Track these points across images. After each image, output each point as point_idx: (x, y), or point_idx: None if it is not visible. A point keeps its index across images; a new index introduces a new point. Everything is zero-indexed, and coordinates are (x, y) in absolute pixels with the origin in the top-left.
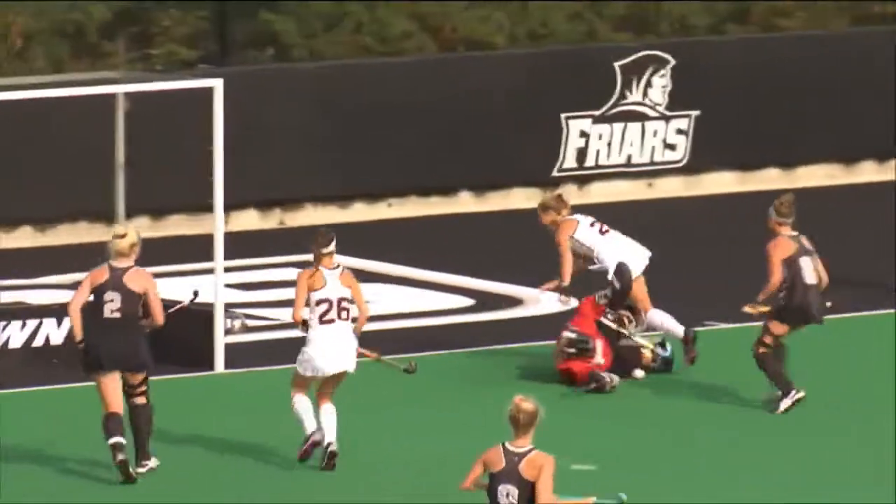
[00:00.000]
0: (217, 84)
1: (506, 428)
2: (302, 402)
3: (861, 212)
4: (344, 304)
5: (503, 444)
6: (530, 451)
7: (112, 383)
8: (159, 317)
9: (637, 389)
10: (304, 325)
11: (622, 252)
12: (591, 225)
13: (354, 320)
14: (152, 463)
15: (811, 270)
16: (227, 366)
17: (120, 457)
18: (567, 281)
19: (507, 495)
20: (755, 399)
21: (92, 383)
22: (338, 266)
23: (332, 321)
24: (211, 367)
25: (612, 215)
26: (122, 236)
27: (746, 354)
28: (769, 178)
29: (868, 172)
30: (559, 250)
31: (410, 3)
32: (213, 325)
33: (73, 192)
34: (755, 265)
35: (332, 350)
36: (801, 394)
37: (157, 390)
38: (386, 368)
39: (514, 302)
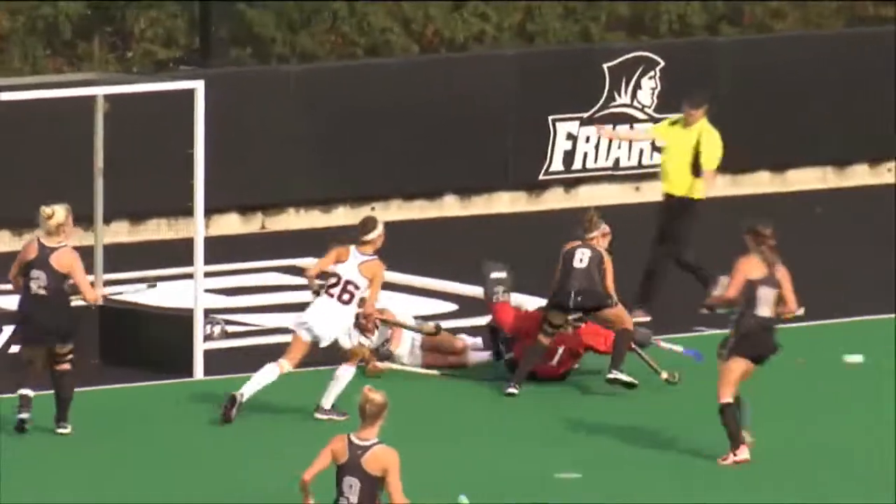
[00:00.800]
0: (198, 86)
1: (489, 427)
2: (265, 371)
3: (854, 216)
4: (349, 287)
5: (349, 436)
6: (374, 444)
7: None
8: (88, 294)
9: (625, 394)
10: (316, 290)
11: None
12: None
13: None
14: (68, 429)
15: (580, 259)
16: (206, 372)
17: (24, 415)
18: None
19: (351, 487)
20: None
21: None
22: (371, 255)
23: (330, 295)
24: (190, 373)
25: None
26: (50, 216)
27: None
28: (760, 182)
29: (861, 176)
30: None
31: (392, 3)
32: (193, 331)
33: (51, 195)
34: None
35: (314, 319)
36: (512, 390)
37: (136, 396)
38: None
39: None
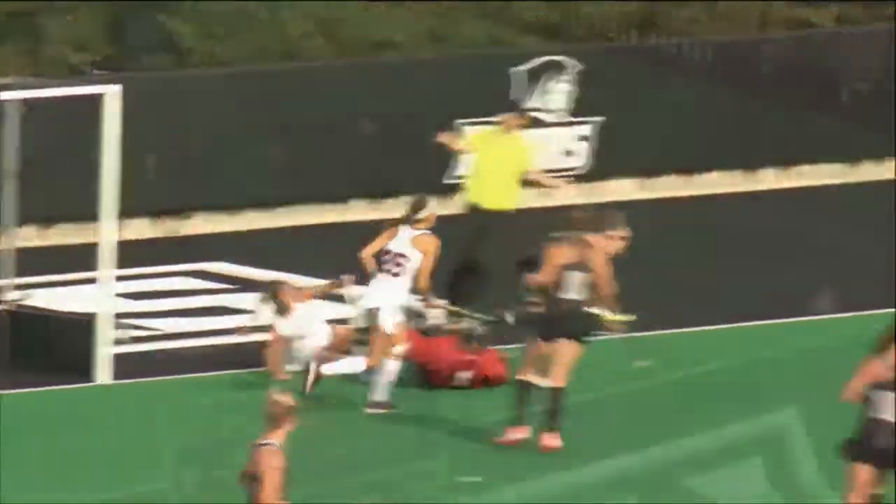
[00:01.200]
0: (112, 90)
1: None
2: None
3: (758, 222)
4: (399, 259)
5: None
6: (262, 445)
7: None
8: None
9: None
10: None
11: None
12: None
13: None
14: None
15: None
16: (113, 376)
17: None
18: None
19: (250, 486)
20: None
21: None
22: (424, 230)
23: (382, 271)
24: (91, 378)
25: (507, 222)
26: None
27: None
28: (670, 185)
29: (768, 181)
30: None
31: (308, 3)
32: (95, 335)
33: None
34: (653, 273)
35: (368, 294)
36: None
37: (36, 401)
38: None
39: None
